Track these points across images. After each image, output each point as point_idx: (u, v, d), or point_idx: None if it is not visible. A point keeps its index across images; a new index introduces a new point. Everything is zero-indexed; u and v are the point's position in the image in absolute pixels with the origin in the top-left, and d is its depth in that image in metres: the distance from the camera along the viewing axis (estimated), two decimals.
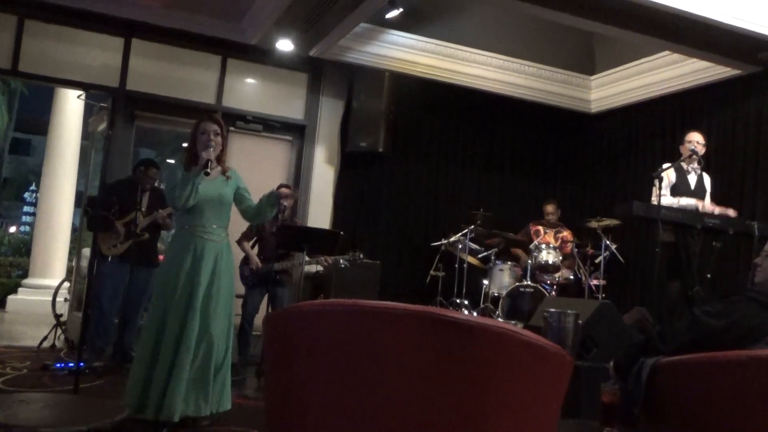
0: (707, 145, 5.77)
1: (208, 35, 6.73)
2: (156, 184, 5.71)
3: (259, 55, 6.96)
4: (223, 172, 3.87)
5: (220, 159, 3.81)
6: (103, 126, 7.21)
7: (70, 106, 9.35)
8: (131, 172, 6.00)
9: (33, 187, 23.00)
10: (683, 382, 2.38)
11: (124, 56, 6.64)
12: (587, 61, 8.04)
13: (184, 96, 6.85)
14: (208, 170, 3.65)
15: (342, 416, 1.72)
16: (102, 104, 7.14)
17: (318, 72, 7.35)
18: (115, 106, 6.62)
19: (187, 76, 6.92)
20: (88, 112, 8.82)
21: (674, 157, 5.69)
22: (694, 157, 5.50)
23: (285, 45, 6.70)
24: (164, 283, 3.68)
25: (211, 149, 3.71)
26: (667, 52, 6.79)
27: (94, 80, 6.62)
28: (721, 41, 5.76)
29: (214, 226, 3.77)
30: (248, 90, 7.25)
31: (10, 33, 6.33)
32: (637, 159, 7.52)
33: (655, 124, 7.37)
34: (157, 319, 3.62)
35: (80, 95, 7.30)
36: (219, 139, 3.79)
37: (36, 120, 20.85)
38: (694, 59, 6.50)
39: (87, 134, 9.28)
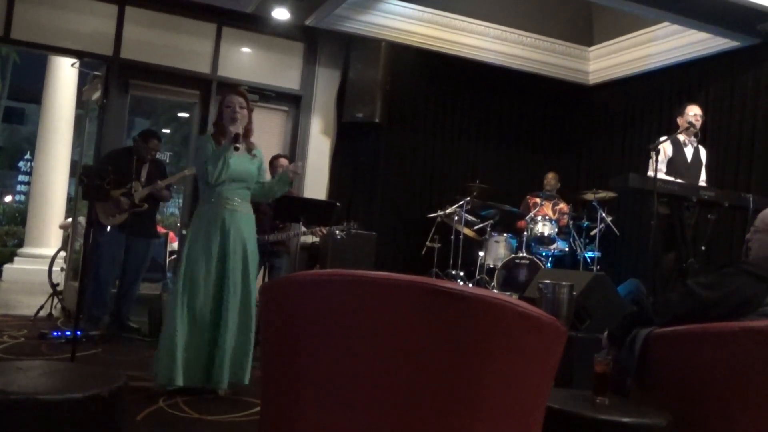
0: (704, 117, 5.76)
1: (203, 3, 6.63)
2: (157, 156, 5.68)
3: (255, 24, 6.88)
4: (249, 150, 3.85)
5: (247, 134, 3.80)
6: (97, 95, 7.14)
7: (64, 74, 9.27)
8: (127, 142, 5.95)
9: (27, 156, 22.87)
10: (676, 353, 2.40)
11: (118, 24, 6.57)
12: (585, 32, 7.97)
13: (178, 65, 6.78)
14: (238, 145, 3.67)
15: (338, 384, 1.74)
16: (96, 72, 7.07)
17: (314, 41, 7.28)
18: (109, 74, 6.56)
19: (181, 45, 6.85)
20: (82, 80, 8.74)
21: (672, 130, 5.68)
22: (692, 129, 5.49)
23: (281, 14, 6.62)
24: (192, 257, 3.67)
25: (238, 122, 3.72)
26: (665, 24, 6.74)
27: (87, 48, 6.55)
28: (720, 12, 5.71)
29: (239, 200, 3.78)
30: (244, 59, 7.18)
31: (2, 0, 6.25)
32: (634, 131, 7.49)
33: (653, 97, 7.34)
34: (186, 292, 3.64)
35: (74, 63, 7.24)
36: (244, 111, 3.79)
37: (29, 88, 20.63)
38: (693, 31, 6.45)
39: (81, 103, 9.21)
